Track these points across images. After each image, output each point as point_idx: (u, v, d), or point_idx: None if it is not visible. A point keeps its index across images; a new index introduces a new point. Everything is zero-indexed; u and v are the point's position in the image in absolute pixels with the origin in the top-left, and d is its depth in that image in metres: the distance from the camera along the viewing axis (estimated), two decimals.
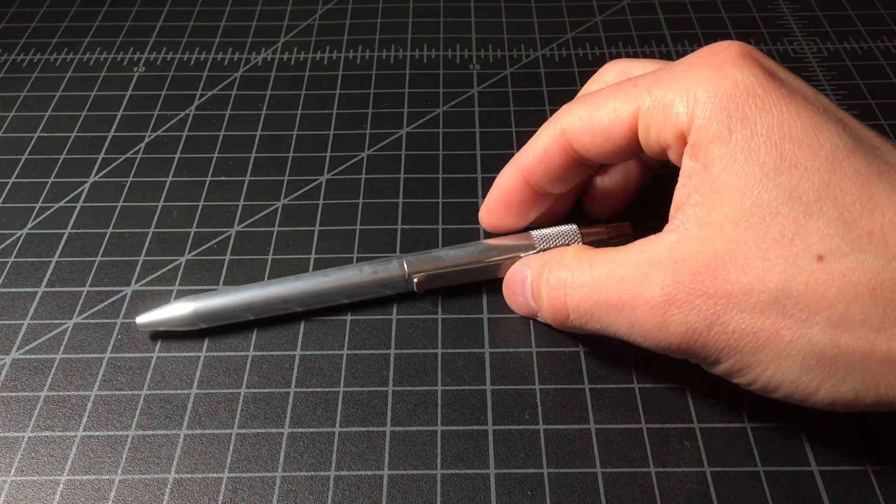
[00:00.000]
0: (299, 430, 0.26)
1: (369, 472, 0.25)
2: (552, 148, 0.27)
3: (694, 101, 0.23)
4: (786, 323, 0.21)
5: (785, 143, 0.21)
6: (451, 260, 0.29)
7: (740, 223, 0.21)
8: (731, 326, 0.21)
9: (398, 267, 0.29)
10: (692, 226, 0.22)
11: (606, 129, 0.25)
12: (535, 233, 0.30)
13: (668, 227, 0.24)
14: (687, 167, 0.23)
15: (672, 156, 0.24)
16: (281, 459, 0.26)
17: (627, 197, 0.31)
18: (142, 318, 0.28)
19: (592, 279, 0.24)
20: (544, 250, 0.29)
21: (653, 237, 0.24)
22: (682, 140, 0.23)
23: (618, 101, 0.25)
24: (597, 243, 0.30)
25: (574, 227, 0.30)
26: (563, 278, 0.25)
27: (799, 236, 0.21)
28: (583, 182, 0.30)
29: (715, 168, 0.22)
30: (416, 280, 0.29)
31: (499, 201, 0.30)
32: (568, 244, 0.29)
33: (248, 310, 0.28)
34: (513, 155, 0.29)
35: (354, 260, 0.31)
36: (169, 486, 0.25)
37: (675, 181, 0.24)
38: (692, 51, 0.25)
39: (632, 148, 0.25)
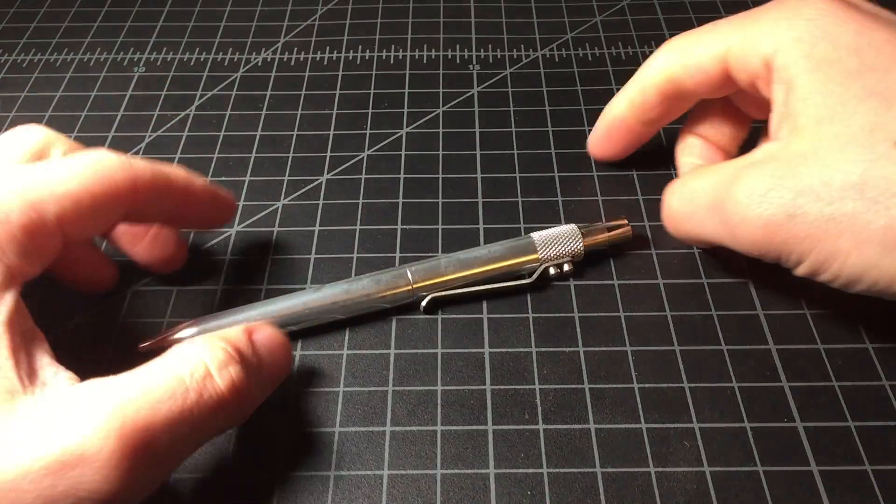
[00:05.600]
0: (299, 430, 0.26)
1: (369, 472, 0.25)
2: (651, 86, 0.29)
3: (780, 30, 0.25)
4: (865, 206, 0.21)
5: (865, 51, 0.23)
6: (456, 276, 0.29)
7: (823, 122, 0.23)
8: (810, 216, 0.22)
9: (405, 285, 0.29)
10: (783, 135, 0.24)
11: (701, 66, 0.27)
12: (535, 235, 0.30)
13: (765, 143, 0.26)
14: (777, 92, 0.25)
15: (762, 85, 0.26)
16: (281, 459, 0.26)
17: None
18: (145, 346, 0.27)
19: (697, 185, 0.27)
20: (548, 256, 0.30)
21: (753, 150, 0.26)
22: (770, 69, 0.25)
23: (711, 39, 0.27)
24: (596, 244, 0.30)
25: (574, 227, 0.30)
26: (676, 189, 0.28)
27: (879, 126, 0.22)
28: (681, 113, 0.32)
29: (799, 80, 0.24)
30: (423, 305, 0.29)
31: (604, 133, 0.33)
32: (570, 245, 0.30)
33: None
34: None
35: (354, 260, 0.31)
36: (169, 486, 0.25)
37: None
38: None
39: (725, 82, 0.27)
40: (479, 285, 0.29)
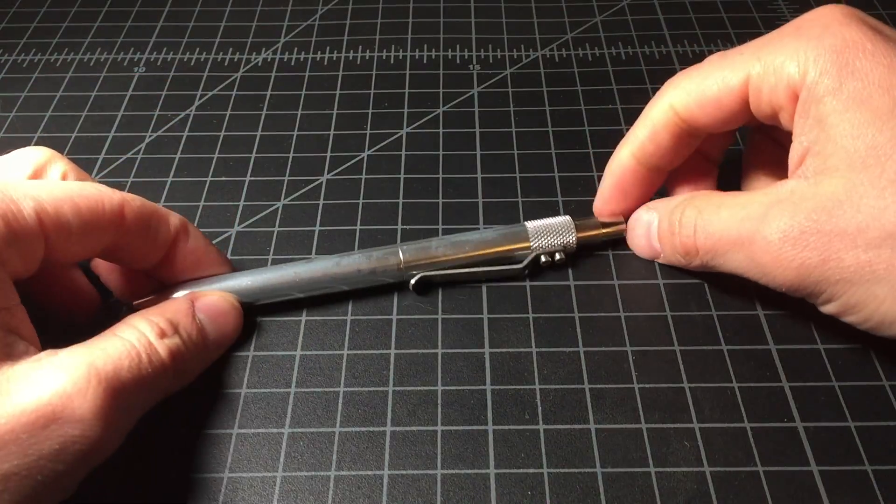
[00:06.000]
0: (299, 430, 0.26)
1: (369, 472, 0.25)
2: (660, 124, 0.28)
3: (805, 60, 0.24)
4: None
5: None
6: (447, 258, 0.29)
7: (856, 166, 0.22)
8: (845, 262, 0.22)
9: (394, 263, 0.29)
10: (810, 173, 0.24)
11: (716, 98, 0.26)
12: (529, 224, 0.30)
13: (789, 178, 0.25)
14: (799, 125, 0.24)
15: (784, 117, 0.25)
16: (281, 459, 0.26)
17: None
18: (139, 302, 0.28)
19: (719, 219, 0.26)
20: (540, 245, 0.30)
21: (776, 183, 0.25)
22: (795, 99, 0.24)
23: (725, 70, 0.26)
24: (592, 237, 0.31)
25: (568, 218, 0.30)
26: (692, 219, 0.27)
27: None
28: (690, 154, 0.30)
29: (830, 119, 0.23)
30: (412, 283, 0.29)
31: (614, 188, 0.30)
32: (563, 236, 0.30)
33: (245, 295, 0.29)
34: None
35: None
36: (169, 487, 0.25)
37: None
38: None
39: (742, 114, 0.27)
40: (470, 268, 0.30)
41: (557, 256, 0.30)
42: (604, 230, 0.31)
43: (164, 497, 0.25)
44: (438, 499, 0.24)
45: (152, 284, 0.28)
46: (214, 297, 0.28)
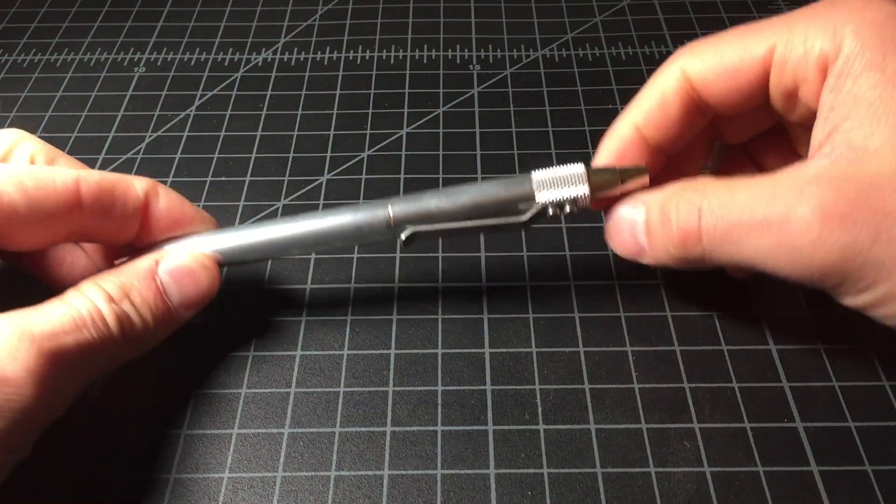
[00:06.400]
0: (299, 430, 0.26)
1: (369, 472, 0.25)
2: (671, 91, 0.26)
3: (842, 32, 0.22)
4: None
5: None
6: (442, 212, 0.26)
7: None
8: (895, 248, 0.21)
9: (382, 217, 0.26)
10: (845, 150, 0.22)
11: (735, 68, 0.24)
12: (535, 175, 0.26)
13: (815, 157, 0.23)
14: (829, 101, 0.23)
15: (806, 92, 0.24)
16: (281, 459, 0.26)
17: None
18: (120, 261, 0.27)
19: (733, 201, 0.23)
20: (546, 199, 0.26)
21: (798, 164, 0.23)
22: (823, 73, 0.23)
23: (747, 39, 0.24)
24: (606, 184, 0.26)
25: (581, 166, 0.26)
26: (696, 202, 0.24)
27: None
28: (691, 138, 0.27)
29: (870, 95, 0.22)
30: (403, 237, 0.26)
31: (610, 157, 0.27)
32: (573, 188, 0.26)
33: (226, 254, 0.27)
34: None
35: (355, 260, 0.31)
36: (169, 486, 0.25)
37: None
38: None
39: (758, 91, 0.25)
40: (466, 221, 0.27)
41: (567, 209, 0.26)
42: (623, 187, 0.26)
43: (165, 497, 0.25)
44: (438, 499, 0.24)
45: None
46: (182, 257, 0.26)
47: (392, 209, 0.26)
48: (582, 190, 0.26)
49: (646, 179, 0.26)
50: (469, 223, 0.26)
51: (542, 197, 0.26)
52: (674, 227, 0.24)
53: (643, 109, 0.26)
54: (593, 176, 0.26)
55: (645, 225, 0.26)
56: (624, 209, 0.26)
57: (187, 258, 0.26)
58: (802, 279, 0.23)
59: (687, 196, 0.24)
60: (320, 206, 0.34)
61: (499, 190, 0.26)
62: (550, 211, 0.26)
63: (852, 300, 0.23)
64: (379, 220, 0.26)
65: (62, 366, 0.22)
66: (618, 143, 0.27)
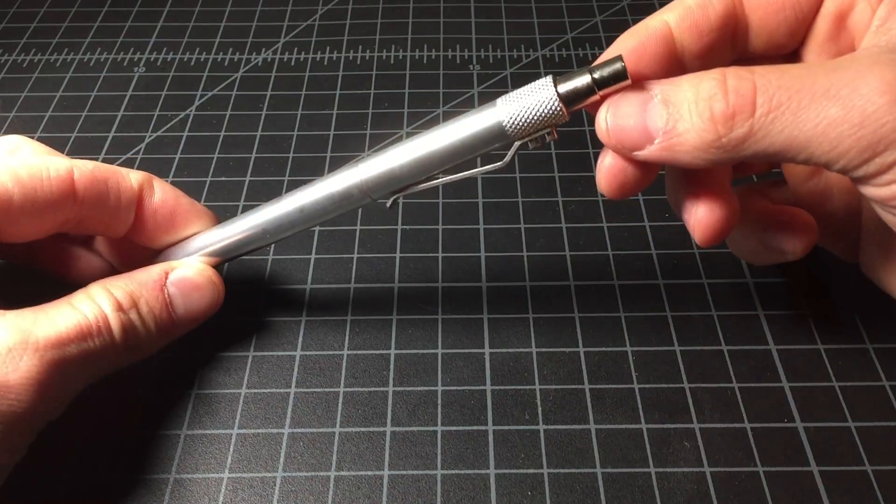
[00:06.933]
0: (299, 430, 0.26)
1: (369, 472, 0.25)
2: None
3: None
4: None
5: None
6: (412, 175, 0.25)
7: None
8: None
9: (357, 193, 0.26)
10: None
11: None
12: (502, 107, 0.24)
13: (869, 46, 0.22)
14: (886, 9, 0.22)
15: (861, 8, 0.23)
16: (281, 459, 0.26)
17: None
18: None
19: (791, 75, 0.21)
20: (520, 130, 0.24)
21: (853, 53, 0.22)
22: None
23: None
24: (580, 94, 0.23)
25: (549, 78, 0.23)
26: (748, 79, 0.21)
27: None
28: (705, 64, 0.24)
29: None
30: (388, 203, 0.26)
31: (630, 52, 0.23)
32: (543, 107, 0.23)
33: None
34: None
35: (355, 260, 0.31)
36: (169, 486, 0.25)
37: None
38: None
39: (809, 11, 0.23)
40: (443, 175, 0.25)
41: (547, 138, 0.24)
42: (599, 91, 0.22)
43: (165, 497, 0.25)
44: (438, 499, 0.24)
45: (145, 251, 0.28)
46: (191, 270, 0.26)
47: (363, 182, 0.26)
48: (554, 104, 0.23)
49: (628, 81, 0.22)
50: (447, 178, 0.26)
51: (515, 128, 0.23)
52: (717, 104, 0.21)
53: (685, 4, 0.24)
54: (562, 84, 0.23)
55: (663, 104, 0.22)
56: (634, 90, 0.23)
57: (195, 272, 0.26)
58: (849, 158, 0.20)
59: (738, 72, 0.21)
60: None
61: (468, 139, 0.24)
62: (530, 144, 0.24)
63: (886, 189, 0.21)
64: (355, 196, 0.26)
65: (63, 373, 0.22)
66: (643, 34, 0.23)
